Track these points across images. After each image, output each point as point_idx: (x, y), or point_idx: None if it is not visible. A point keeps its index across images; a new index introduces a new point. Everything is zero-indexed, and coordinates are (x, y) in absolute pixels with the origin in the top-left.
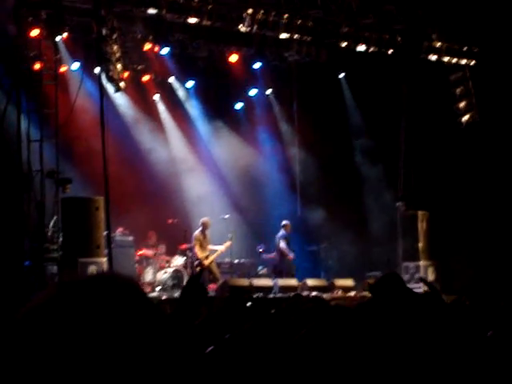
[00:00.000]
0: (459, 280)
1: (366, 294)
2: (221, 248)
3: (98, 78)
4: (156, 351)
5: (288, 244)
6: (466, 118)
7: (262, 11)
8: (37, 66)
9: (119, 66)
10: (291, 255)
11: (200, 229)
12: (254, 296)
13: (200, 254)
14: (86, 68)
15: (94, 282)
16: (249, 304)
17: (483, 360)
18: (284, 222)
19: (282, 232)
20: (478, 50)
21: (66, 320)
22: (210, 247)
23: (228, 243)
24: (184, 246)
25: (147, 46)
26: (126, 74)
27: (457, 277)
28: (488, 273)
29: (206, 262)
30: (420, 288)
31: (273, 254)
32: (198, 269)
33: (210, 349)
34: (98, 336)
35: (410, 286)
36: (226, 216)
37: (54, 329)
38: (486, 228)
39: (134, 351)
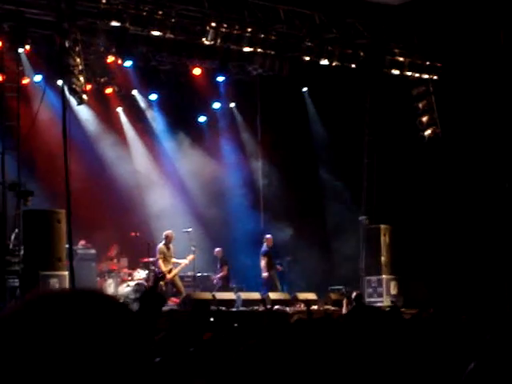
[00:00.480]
0: (421, 294)
1: (329, 307)
2: (184, 261)
3: (60, 91)
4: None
5: (270, 258)
6: (428, 132)
7: (225, 25)
8: None
9: (82, 79)
10: (265, 274)
11: (163, 242)
12: (217, 309)
13: (163, 267)
14: (49, 80)
15: (68, 296)
16: (212, 319)
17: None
18: (266, 236)
19: (263, 247)
20: (440, 65)
21: (32, 334)
22: (173, 260)
23: (191, 256)
24: (146, 260)
25: (110, 59)
26: (88, 87)
27: (419, 291)
28: (449, 286)
29: (170, 276)
30: (382, 302)
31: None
32: (155, 279)
33: (157, 360)
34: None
35: (373, 299)
36: (189, 229)
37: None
38: (448, 241)
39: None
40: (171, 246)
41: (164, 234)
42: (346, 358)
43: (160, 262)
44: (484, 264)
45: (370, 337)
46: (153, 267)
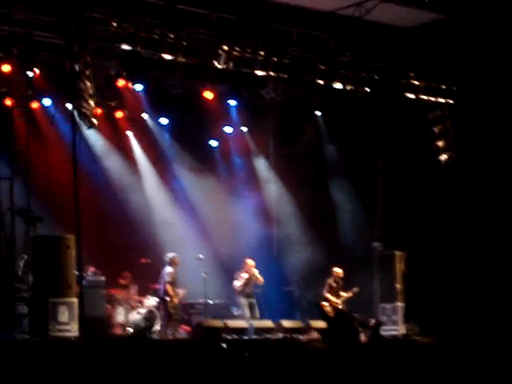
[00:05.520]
0: (437, 321)
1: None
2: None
3: (70, 115)
4: None
5: (336, 291)
6: (444, 157)
7: (237, 48)
8: (8, 103)
9: (92, 103)
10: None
11: (170, 265)
12: (229, 338)
13: (171, 291)
14: (59, 104)
15: None
16: (224, 345)
17: None
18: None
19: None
20: (456, 89)
21: None
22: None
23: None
24: (157, 286)
25: (121, 83)
26: (98, 111)
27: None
28: (465, 313)
29: (176, 300)
30: (397, 330)
31: None
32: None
33: None
34: None
35: (388, 327)
36: (200, 256)
37: None
38: (465, 268)
39: None
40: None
41: (171, 257)
42: None
43: (168, 286)
44: (502, 291)
45: (391, 367)
46: (161, 292)
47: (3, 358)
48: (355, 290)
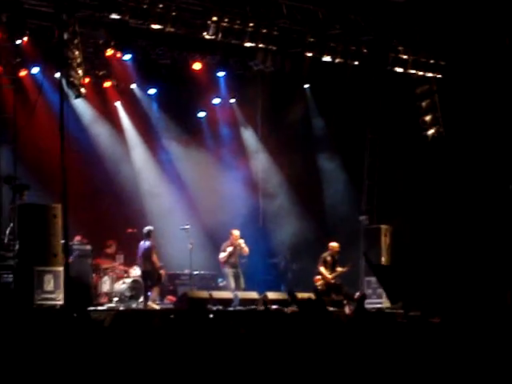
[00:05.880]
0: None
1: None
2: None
3: (58, 84)
4: None
5: (330, 265)
6: (431, 131)
7: (226, 19)
8: None
9: (80, 72)
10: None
11: (150, 239)
12: (214, 308)
13: (158, 263)
14: (47, 73)
15: None
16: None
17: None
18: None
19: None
20: (444, 64)
21: None
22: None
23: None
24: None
25: (109, 52)
26: (87, 80)
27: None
28: (452, 288)
29: (164, 272)
30: (382, 303)
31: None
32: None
33: None
34: None
35: (372, 300)
36: (187, 226)
37: None
38: (450, 242)
39: None
40: None
41: (148, 229)
42: (350, 360)
43: (155, 257)
44: (486, 265)
45: (374, 340)
46: (148, 264)
47: None
48: (351, 264)
